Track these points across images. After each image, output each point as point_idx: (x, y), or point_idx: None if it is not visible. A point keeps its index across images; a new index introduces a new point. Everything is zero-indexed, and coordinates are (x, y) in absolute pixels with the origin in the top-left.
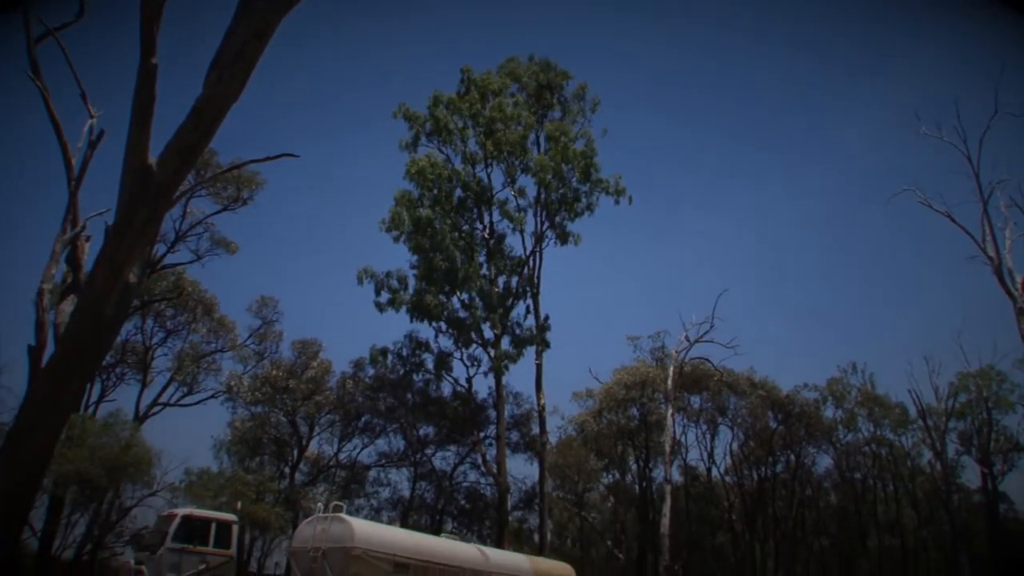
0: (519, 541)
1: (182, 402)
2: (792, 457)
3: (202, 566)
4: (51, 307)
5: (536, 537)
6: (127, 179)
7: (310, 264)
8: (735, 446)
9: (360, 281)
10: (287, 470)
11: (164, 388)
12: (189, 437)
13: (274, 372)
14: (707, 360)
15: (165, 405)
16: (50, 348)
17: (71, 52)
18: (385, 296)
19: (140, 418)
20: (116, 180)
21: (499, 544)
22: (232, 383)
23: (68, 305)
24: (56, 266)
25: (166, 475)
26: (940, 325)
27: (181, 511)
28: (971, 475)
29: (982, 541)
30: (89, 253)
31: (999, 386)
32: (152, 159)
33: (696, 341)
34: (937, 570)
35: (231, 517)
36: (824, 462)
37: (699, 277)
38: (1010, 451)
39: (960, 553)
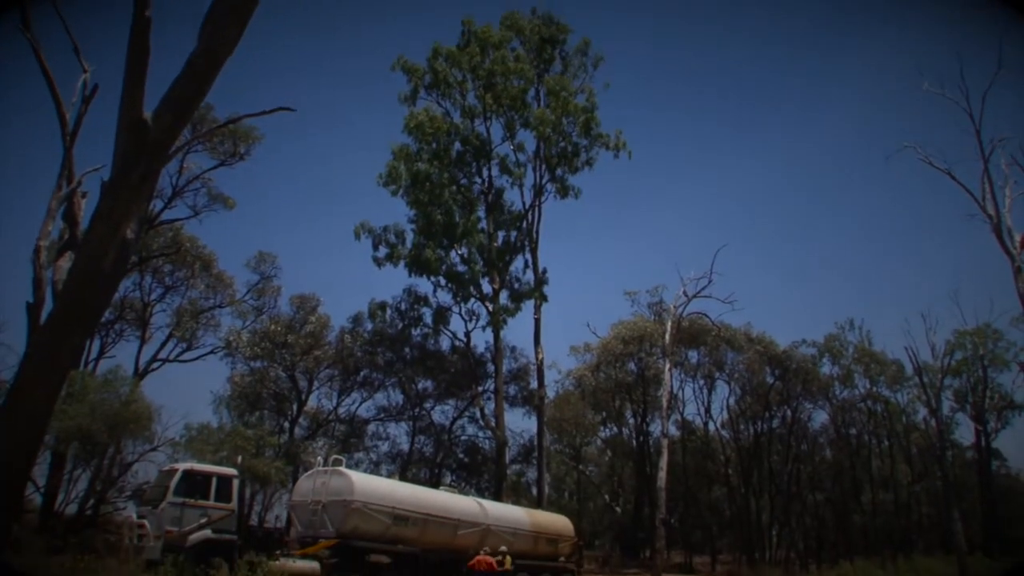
0: (517, 494)
1: (181, 358)
2: (788, 412)
3: (203, 519)
4: (48, 264)
5: (534, 490)
6: (122, 134)
7: (308, 219)
8: (732, 401)
9: (357, 236)
10: (287, 425)
11: (163, 344)
12: (189, 393)
13: (273, 327)
14: (705, 315)
15: (164, 361)
16: (48, 305)
17: (62, 5)
18: (383, 251)
19: (140, 374)
20: (111, 135)
21: (497, 497)
22: (231, 338)
23: (65, 262)
24: (52, 223)
25: (166, 431)
26: (938, 282)
27: (182, 466)
28: (965, 432)
29: (974, 497)
30: (85, 209)
31: (995, 344)
32: (147, 114)
33: (694, 296)
34: (929, 525)
35: (231, 471)
36: (820, 418)
37: (698, 233)
38: (1004, 409)
39: (952, 508)
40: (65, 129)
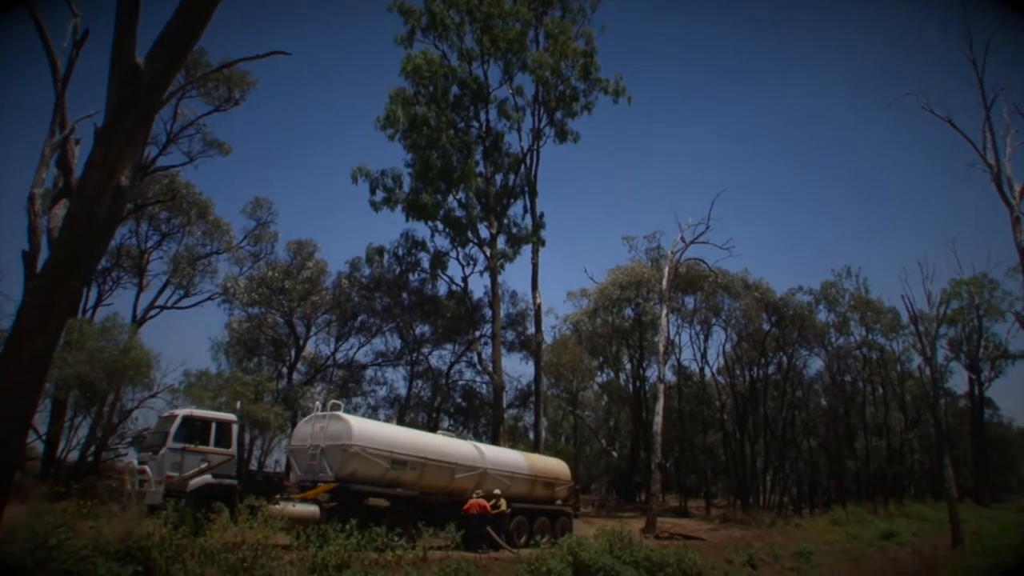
0: (514, 438)
1: (179, 305)
2: (784, 359)
3: (204, 465)
4: (44, 212)
5: (531, 434)
6: (115, 79)
7: (304, 165)
8: (728, 347)
9: (354, 180)
10: (285, 370)
11: (161, 291)
12: (187, 339)
13: (270, 273)
14: (702, 261)
15: (162, 308)
16: (44, 253)
17: None
18: (380, 195)
19: (138, 321)
20: (104, 81)
21: (494, 441)
22: (228, 285)
23: (60, 209)
24: (46, 170)
25: (165, 377)
26: (936, 231)
27: (182, 412)
28: (959, 381)
29: (966, 445)
30: (79, 156)
31: (991, 294)
32: (140, 59)
33: (692, 242)
34: (921, 471)
35: (231, 417)
36: (815, 364)
37: (696, 180)
38: (998, 358)
39: (944, 455)
40: (56, 75)
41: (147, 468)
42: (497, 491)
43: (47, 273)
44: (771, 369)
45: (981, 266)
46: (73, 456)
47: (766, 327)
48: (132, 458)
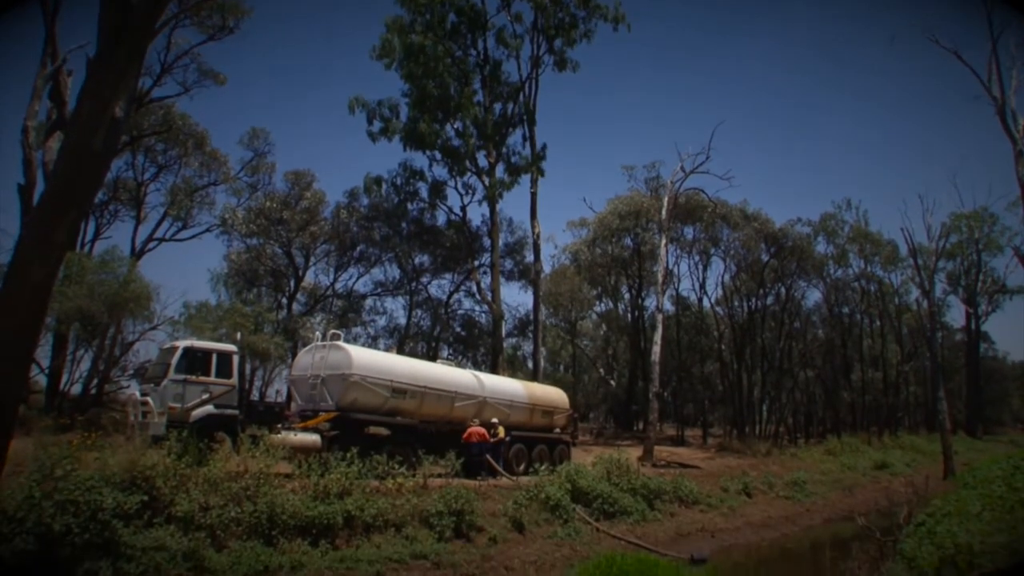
0: (513, 367)
1: (177, 237)
2: (782, 290)
3: (205, 395)
4: (38, 145)
5: (530, 363)
6: (106, 8)
7: (301, 95)
8: (727, 277)
9: (351, 110)
10: (284, 301)
11: (159, 223)
12: (186, 271)
13: (268, 204)
14: (702, 191)
15: (161, 240)
16: (40, 186)
17: None
18: (377, 125)
19: (137, 254)
20: (95, 10)
21: (493, 370)
22: (226, 216)
23: (55, 142)
24: (39, 102)
25: (165, 309)
26: (937, 164)
27: (182, 343)
28: (956, 314)
29: (961, 378)
30: (72, 88)
31: (991, 228)
32: None
33: (691, 172)
34: (916, 403)
35: (231, 347)
36: (814, 296)
37: (697, 110)
38: (996, 293)
39: (939, 388)
40: (46, 5)
41: (149, 400)
42: (495, 420)
43: (44, 206)
44: (769, 300)
45: (982, 200)
46: (76, 389)
47: (765, 258)
48: (134, 390)
